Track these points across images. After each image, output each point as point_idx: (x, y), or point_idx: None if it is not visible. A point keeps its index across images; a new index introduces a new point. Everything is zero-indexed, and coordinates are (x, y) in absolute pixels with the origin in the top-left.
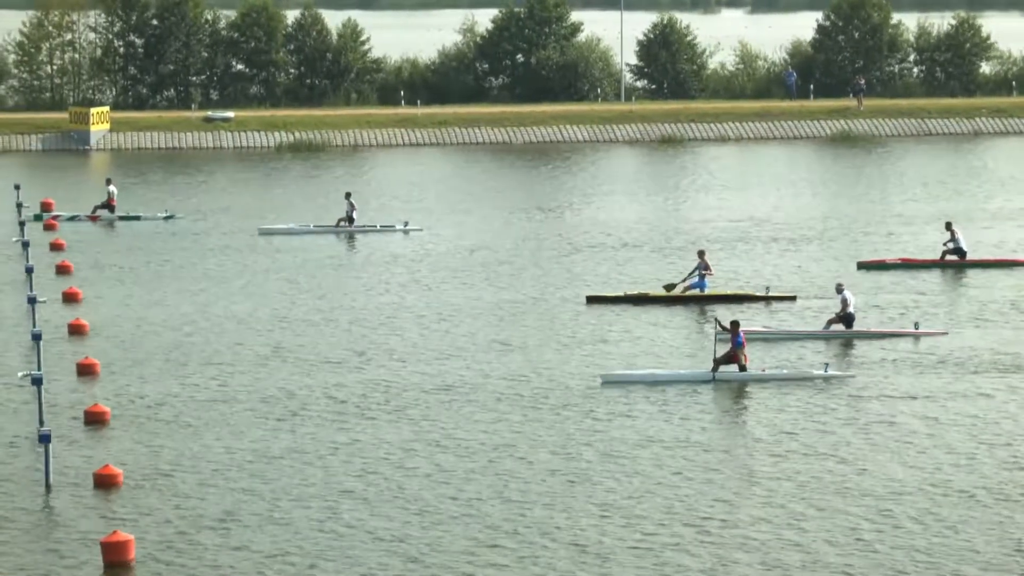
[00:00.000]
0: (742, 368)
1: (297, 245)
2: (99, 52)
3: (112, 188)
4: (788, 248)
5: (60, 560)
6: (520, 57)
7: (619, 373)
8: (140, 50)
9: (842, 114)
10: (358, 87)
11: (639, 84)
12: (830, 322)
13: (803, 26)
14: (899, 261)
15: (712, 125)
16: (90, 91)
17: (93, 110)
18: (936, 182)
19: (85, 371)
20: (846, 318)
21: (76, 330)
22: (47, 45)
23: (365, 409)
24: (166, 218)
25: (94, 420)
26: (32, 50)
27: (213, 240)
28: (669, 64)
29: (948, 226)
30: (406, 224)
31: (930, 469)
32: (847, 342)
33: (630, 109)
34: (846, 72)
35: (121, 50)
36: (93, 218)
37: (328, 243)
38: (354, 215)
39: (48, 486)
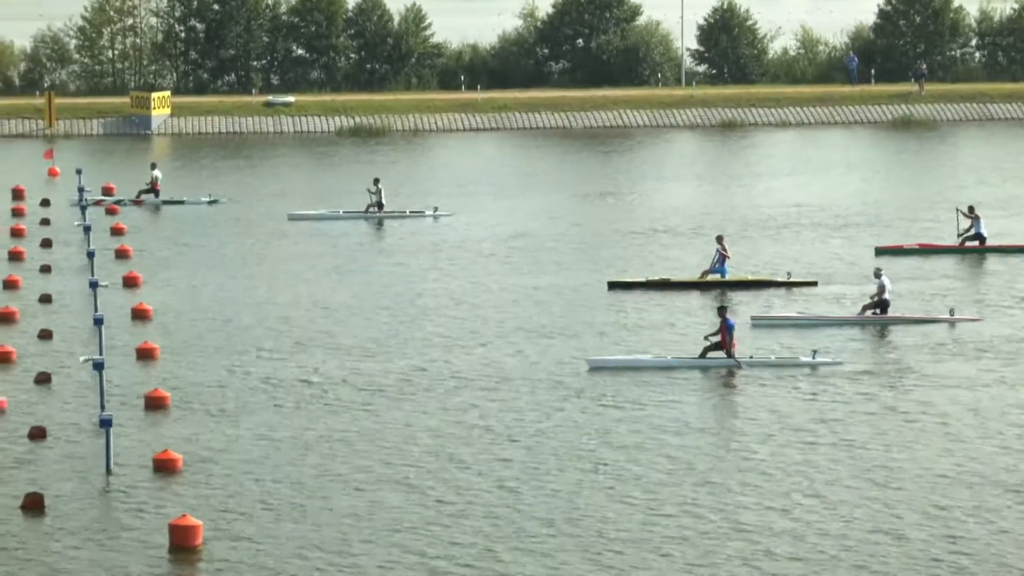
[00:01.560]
0: (729, 355)
1: (325, 230)
2: (160, 37)
3: (156, 172)
4: (831, 234)
5: (122, 545)
6: (580, 41)
7: (605, 359)
8: (201, 35)
9: (903, 99)
10: (419, 72)
11: (699, 69)
12: (865, 308)
13: (864, 11)
14: (916, 246)
15: (772, 110)
16: (151, 76)
17: (154, 95)
18: (993, 168)
19: (145, 355)
20: (881, 304)
21: (140, 314)
22: (109, 30)
23: (412, 395)
24: (210, 202)
25: (154, 405)
26: (94, 35)
27: (242, 226)
28: (730, 49)
29: (971, 210)
30: (436, 209)
31: (966, 456)
32: (882, 328)
33: (690, 94)
34: (907, 57)
35: (182, 35)
36: (137, 202)
37: (355, 228)
38: (383, 200)
39: (109, 470)
